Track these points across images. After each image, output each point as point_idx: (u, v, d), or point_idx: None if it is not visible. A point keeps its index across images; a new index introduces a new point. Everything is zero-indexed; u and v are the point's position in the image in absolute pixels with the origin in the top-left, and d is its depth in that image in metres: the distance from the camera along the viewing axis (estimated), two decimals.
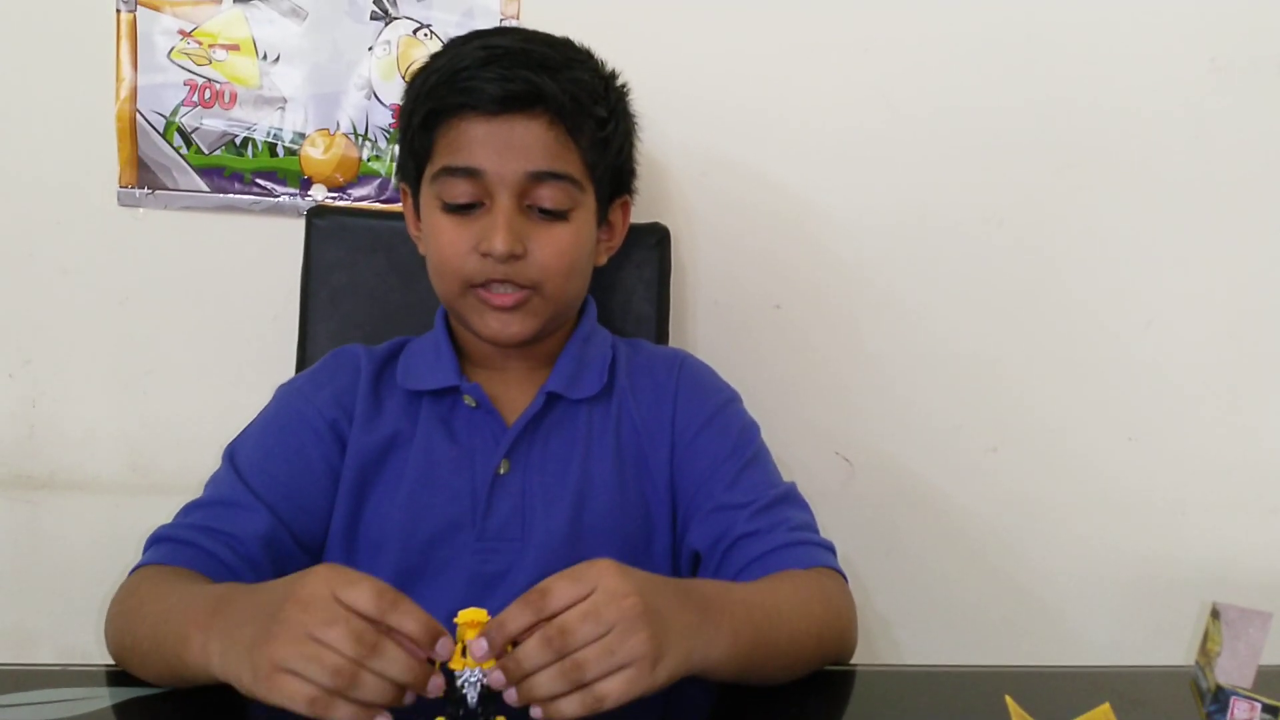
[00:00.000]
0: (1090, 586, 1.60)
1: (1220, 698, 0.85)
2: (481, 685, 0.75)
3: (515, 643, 0.74)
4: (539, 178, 1.07)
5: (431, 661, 0.74)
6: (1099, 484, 1.59)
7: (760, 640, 0.88)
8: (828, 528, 1.10)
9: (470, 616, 0.76)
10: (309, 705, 0.70)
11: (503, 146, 1.06)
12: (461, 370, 1.14)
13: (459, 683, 0.75)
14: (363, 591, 0.72)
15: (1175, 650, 1.56)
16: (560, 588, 0.75)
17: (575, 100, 1.08)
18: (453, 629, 0.76)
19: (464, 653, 0.75)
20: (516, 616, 0.74)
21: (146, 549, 1.01)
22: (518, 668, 0.73)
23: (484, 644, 0.74)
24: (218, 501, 1.04)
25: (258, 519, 1.02)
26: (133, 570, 0.99)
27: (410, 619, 0.72)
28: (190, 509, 1.04)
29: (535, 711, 0.74)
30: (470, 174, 1.07)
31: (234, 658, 0.75)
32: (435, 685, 0.74)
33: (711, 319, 1.55)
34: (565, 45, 1.13)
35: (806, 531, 1.07)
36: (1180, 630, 1.58)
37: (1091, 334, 1.56)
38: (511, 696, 0.74)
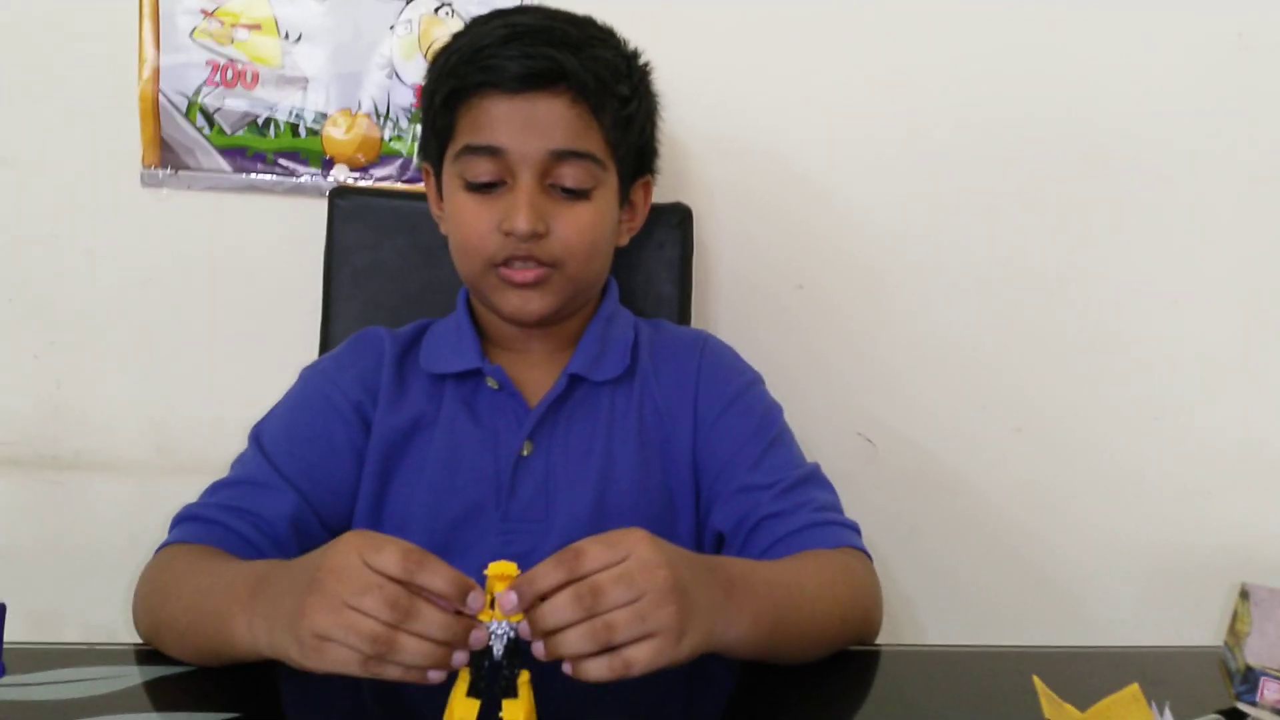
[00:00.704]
0: (1114, 568, 1.60)
1: (1250, 678, 0.84)
2: (509, 638, 0.75)
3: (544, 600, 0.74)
4: (561, 156, 1.07)
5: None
6: (1124, 465, 1.58)
7: (783, 620, 0.88)
8: (850, 509, 1.10)
9: (500, 570, 0.76)
10: (361, 668, 0.71)
11: (525, 125, 1.06)
12: (484, 352, 1.14)
13: (486, 635, 0.75)
14: (390, 554, 0.72)
15: (1200, 633, 1.55)
16: (594, 550, 0.75)
17: (598, 78, 1.07)
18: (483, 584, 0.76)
19: (492, 604, 0.75)
20: (549, 573, 0.74)
21: (173, 528, 1.02)
22: (546, 621, 0.73)
23: (514, 597, 0.74)
24: (244, 481, 1.04)
25: (284, 499, 1.03)
26: (159, 549, 0.99)
27: (438, 577, 0.73)
28: (216, 488, 1.05)
29: (566, 666, 0.74)
30: (492, 152, 1.06)
31: (280, 634, 0.76)
32: (477, 639, 0.74)
33: (734, 299, 1.54)
34: (587, 23, 1.13)
35: (831, 512, 1.07)
36: (1204, 613, 1.57)
37: (1117, 313, 1.55)
38: (539, 650, 0.74)
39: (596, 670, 0.73)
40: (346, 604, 0.71)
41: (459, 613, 0.74)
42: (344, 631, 0.71)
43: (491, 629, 0.75)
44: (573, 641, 0.73)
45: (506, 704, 0.74)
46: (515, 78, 1.05)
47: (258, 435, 1.09)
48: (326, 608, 0.72)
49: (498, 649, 0.75)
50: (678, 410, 1.14)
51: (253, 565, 0.88)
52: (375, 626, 0.71)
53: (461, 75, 1.07)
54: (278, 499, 1.03)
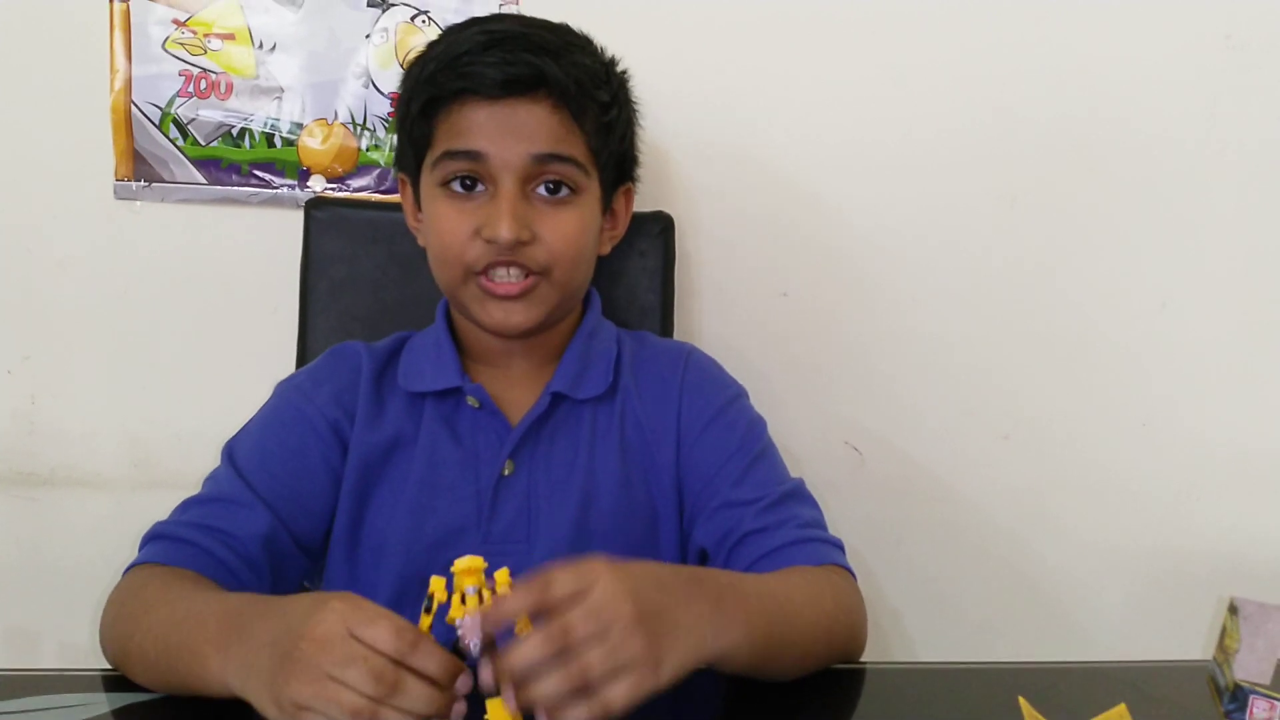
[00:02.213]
0: (1103, 576, 1.58)
1: (1239, 696, 0.83)
2: (483, 634, 0.73)
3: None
4: (543, 160, 1.05)
5: (429, 609, 0.74)
6: (1113, 470, 1.57)
7: (773, 630, 0.86)
8: (837, 519, 1.09)
9: (467, 564, 0.75)
10: None
11: (505, 130, 1.04)
12: (464, 368, 1.13)
13: (460, 633, 0.73)
14: (381, 631, 0.70)
15: (1190, 640, 1.55)
16: (560, 576, 0.73)
17: (578, 84, 1.06)
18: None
19: (463, 600, 0.74)
20: (516, 598, 0.73)
21: (142, 546, 1.00)
22: (516, 666, 0.71)
23: (476, 622, 0.73)
24: (216, 499, 1.02)
25: (257, 518, 1.01)
26: (128, 569, 0.97)
27: (432, 660, 0.71)
28: (188, 505, 1.03)
29: (542, 716, 0.72)
30: (472, 157, 1.05)
31: (255, 687, 0.74)
32: (458, 712, 0.72)
33: (717, 308, 1.52)
34: (565, 30, 1.11)
35: (815, 529, 1.06)
36: (1193, 619, 1.56)
37: (1105, 318, 1.54)
38: (510, 702, 0.72)
39: (576, 717, 0.71)
40: (329, 675, 0.69)
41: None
42: (325, 703, 0.69)
43: (465, 625, 0.73)
44: (547, 688, 0.71)
45: (490, 704, 0.73)
46: (495, 84, 1.04)
47: (230, 452, 1.07)
48: (308, 678, 0.70)
49: (474, 646, 0.73)
50: (660, 426, 1.13)
51: (224, 600, 0.86)
52: (357, 700, 0.69)
53: (440, 83, 1.06)
54: (250, 517, 1.01)
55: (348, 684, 0.69)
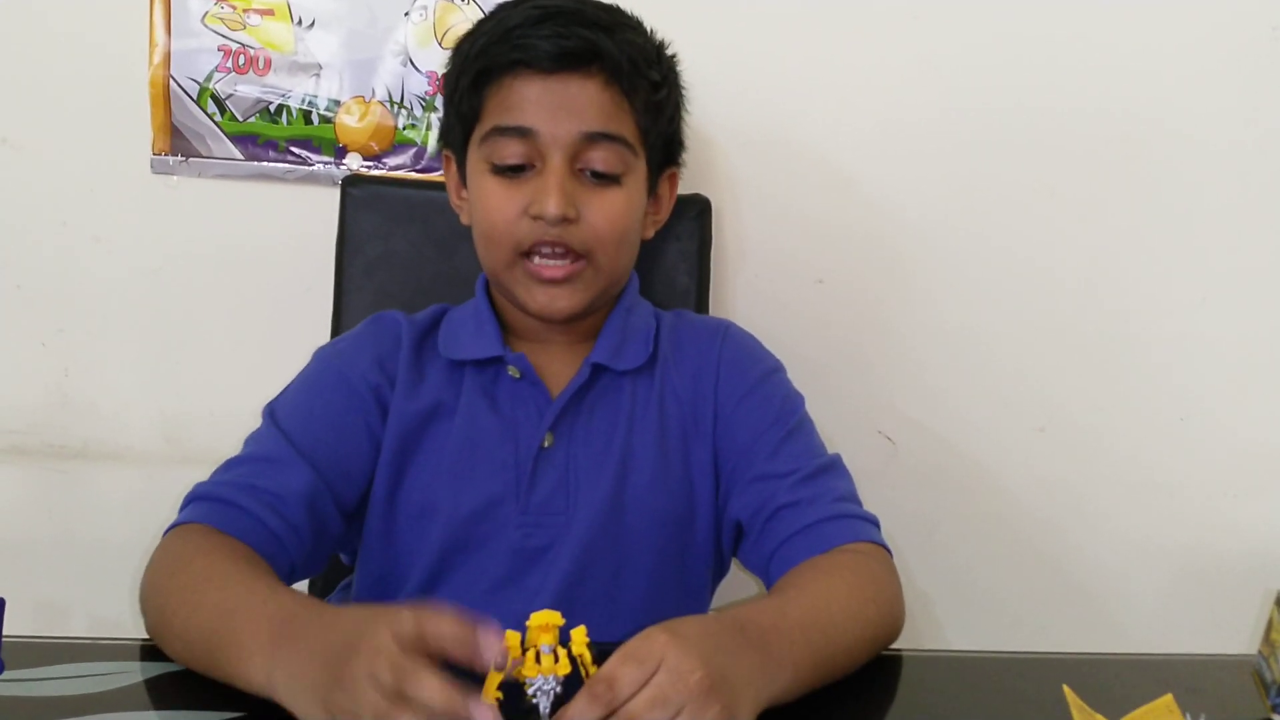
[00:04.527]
0: (1139, 571, 1.57)
1: None
2: (555, 694, 0.71)
3: None
4: (593, 139, 1.05)
5: (500, 666, 0.70)
6: (1149, 465, 1.55)
7: (819, 660, 0.86)
8: (868, 508, 1.07)
9: (543, 619, 0.72)
10: None
11: (557, 106, 1.04)
12: (504, 341, 1.12)
13: (531, 691, 0.71)
14: (429, 685, 0.67)
15: (1228, 638, 1.53)
16: (625, 674, 0.70)
17: (631, 61, 1.06)
18: (525, 615, 0.73)
19: (537, 659, 0.71)
20: (586, 712, 0.70)
21: (184, 506, 0.98)
22: None
23: (550, 687, 0.71)
24: (260, 458, 1.02)
25: (300, 476, 1.00)
26: (170, 529, 0.96)
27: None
28: (231, 465, 1.02)
29: None
30: (522, 134, 1.04)
31: (303, 699, 0.72)
32: None
33: (752, 293, 1.51)
34: (617, 10, 1.11)
35: (849, 503, 1.05)
36: (1233, 617, 1.54)
37: (1143, 311, 1.53)
38: None
39: None
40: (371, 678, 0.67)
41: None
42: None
43: (537, 685, 0.71)
44: None
45: None
46: (549, 56, 1.03)
47: (272, 411, 1.06)
48: (355, 688, 0.67)
49: (544, 705, 0.71)
50: (698, 399, 1.12)
51: (279, 600, 0.83)
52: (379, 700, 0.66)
53: (492, 55, 1.06)
54: (293, 475, 1.00)
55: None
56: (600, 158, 1.06)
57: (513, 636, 0.71)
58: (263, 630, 0.79)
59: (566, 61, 1.03)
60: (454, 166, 1.16)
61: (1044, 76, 1.47)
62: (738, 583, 1.23)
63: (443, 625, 0.69)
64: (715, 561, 1.15)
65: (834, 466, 1.08)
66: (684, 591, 1.12)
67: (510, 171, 1.06)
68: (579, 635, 0.73)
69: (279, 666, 0.76)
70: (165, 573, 0.92)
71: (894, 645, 0.98)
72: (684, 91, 1.19)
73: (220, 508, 0.97)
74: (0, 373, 1.50)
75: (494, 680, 0.70)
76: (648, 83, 1.08)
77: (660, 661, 0.71)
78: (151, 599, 0.91)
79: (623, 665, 0.71)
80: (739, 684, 0.75)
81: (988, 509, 1.57)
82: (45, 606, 1.50)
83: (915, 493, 1.55)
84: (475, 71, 1.07)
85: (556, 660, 0.72)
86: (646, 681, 0.70)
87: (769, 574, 1.04)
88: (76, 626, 1.52)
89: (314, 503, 1.00)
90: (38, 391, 1.50)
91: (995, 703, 0.89)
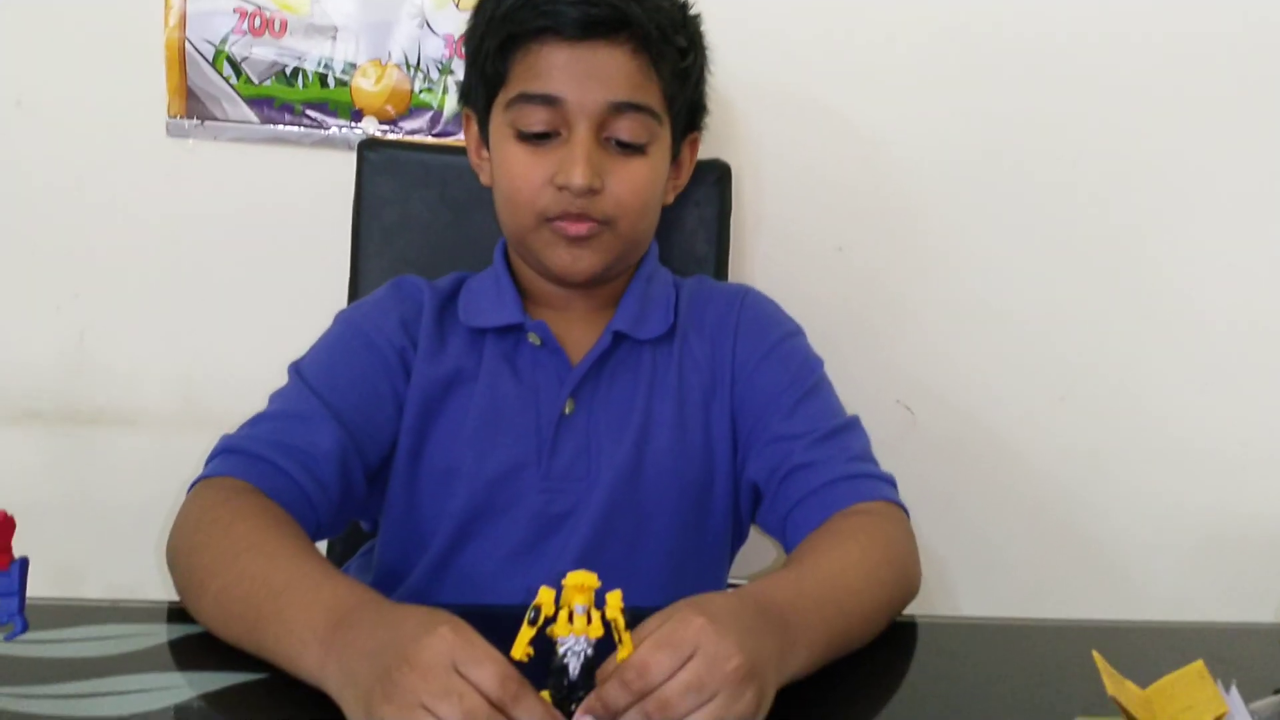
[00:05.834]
0: (1161, 540, 1.56)
1: None
2: (586, 655, 0.70)
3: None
4: (620, 108, 1.04)
5: (534, 621, 0.69)
6: (1173, 434, 1.54)
7: (834, 635, 0.85)
8: None
9: (580, 580, 0.70)
10: None
11: (584, 74, 1.03)
12: (524, 308, 1.11)
13: (561, 651, 0.70)
14: (489, 674, 0.66)
15: (1251, 606, 1.52)
16: (658, 661, 0.69)
17: (659, 28, 1.05)
18: (545, 581, 0.71)
19: (570, 619, 0.70)
20: (617, 697, 0.69)
21: (213, 458, 0.97)
22: None
23: (581, 646, 0.70)
24: (290, 414, 1.01)
25: (330, 434, 0.99)
26: (199, 480, 0.94)
27: (534, 716, 0.67)
28: (259, 420, 1.01)
29: None
30: (549, 101, 1.03)
31: (349, 695, 0.71)
32: None
33: (771, 260, 1.50)
34: None
35: (864, 462, 1.05)
36: (1255, 586, 1.53)
37: (1166, 280, 1.52)
38: None
39: None
40: (423, 704, 0.65)
41: None
42: None
43: (568, 645, 0.70)
44: None
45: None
46: (577, 23, 1.02)
47: (299, 369, 1.06)
48: (403, 703, 0.66)
49: (574, 666, 0.70)
50: (717, 365, 1.12)
51: (334, 585, 0.81)
52: None
53: (519, 20, 1.04)
54: (323, 433, 0.99)
55: (440, 716, 0.65)
56: (626, 127, 1.05)
57: (547, 593, 0.70)
58: (318, 618, 0.77)
59: (594, 29, 1.02)
60: (474, 126, 1.15)
61: (1071, 43, 1.46)
62: (755, 549, 1.22)
63: (533, 715, 0.67)
64: (734, 527, 1.14)
65: (851, 427, 1.08)
66: (703, 557, 1.12)
67: (536, 139, 1.05)
68: (614, 599, 0.71)
69: (333, 660, 0.74)
70: (200, 530, 0.89)
71: (914, 612, 0.97)
72: (707, 54, 1.17)
73: (252, 462, 0.95)
74: (16, 337, 1.49)
75: (526, 635, 0.69)
76: (675, 50, 1.07)
77: (696, 647, 0.69)
78: (183, 556, 0.89)
79: (656, 652, 0.69)
80: (769, 668, 0.74)
81: (1009, 479, 1.56)
82: (62, 571, 1.50)
83: (935, 463, 1.54)
84: (502, 35, 1.05)
85: (589, 622, 0.70)
86: (680, 667, 0.69)
87: (785, 536, 1.04)
88: (92, 590, 1.52)
89: (344, 461, 1.00)
90: (52, 355, 1.50)
91: (1023, 670, 0.88)
